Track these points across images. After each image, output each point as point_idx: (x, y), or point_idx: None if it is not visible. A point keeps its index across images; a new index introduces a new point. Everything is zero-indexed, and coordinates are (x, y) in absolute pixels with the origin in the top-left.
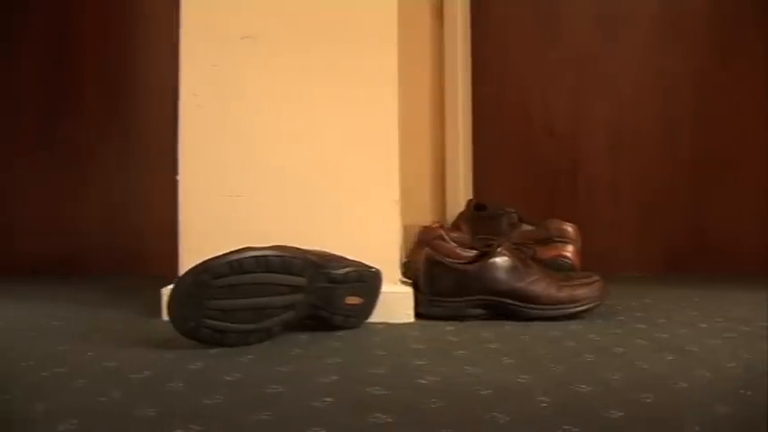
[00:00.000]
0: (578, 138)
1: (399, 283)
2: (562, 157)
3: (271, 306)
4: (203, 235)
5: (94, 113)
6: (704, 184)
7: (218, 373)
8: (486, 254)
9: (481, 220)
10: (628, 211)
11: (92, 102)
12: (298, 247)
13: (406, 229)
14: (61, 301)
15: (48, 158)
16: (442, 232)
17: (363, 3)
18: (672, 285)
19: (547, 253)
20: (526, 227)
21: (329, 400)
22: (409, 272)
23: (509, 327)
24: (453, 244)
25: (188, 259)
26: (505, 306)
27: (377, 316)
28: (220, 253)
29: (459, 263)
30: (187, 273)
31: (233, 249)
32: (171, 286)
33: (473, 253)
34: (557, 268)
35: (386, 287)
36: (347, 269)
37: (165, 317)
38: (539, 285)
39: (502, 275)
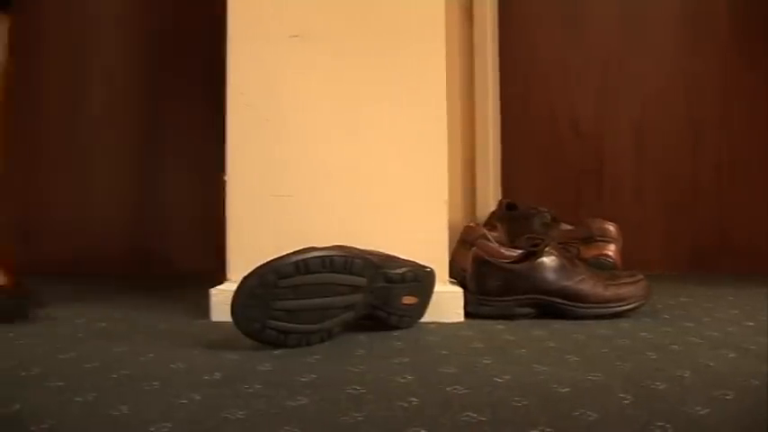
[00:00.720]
0: (604, 138)
1: (449, 283)
2: (588, 156)
3: (332, 306)
4: (250, 235)
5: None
6: (729, 184)
7: (292, 375)
8: (533, 253)
9: (514, 219)
10: (653, 210)
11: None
12: (355, 247)
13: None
14: (98, 302)
15: (67, 158)
16: (485, 232)
17: (412, 4)
18: (702, 284)
19: (589, 252)
20: (565, 226)
21: (415, 400)
22: (453, 271)
23: (559, 325)
24: (496, 244)
25: (235, 259)
26: (554, 305)
27: (427, 315)
28: (282, 254)
29: (507, 262)
30: (252, 273)
31: (295, 250)
32: (221, 286)
33: (517, 252)
34: (599, 267)
35: (437, 287)
36: (404, 269)
37: (213, 317)
38: (586, 284)
39: (550, 275)
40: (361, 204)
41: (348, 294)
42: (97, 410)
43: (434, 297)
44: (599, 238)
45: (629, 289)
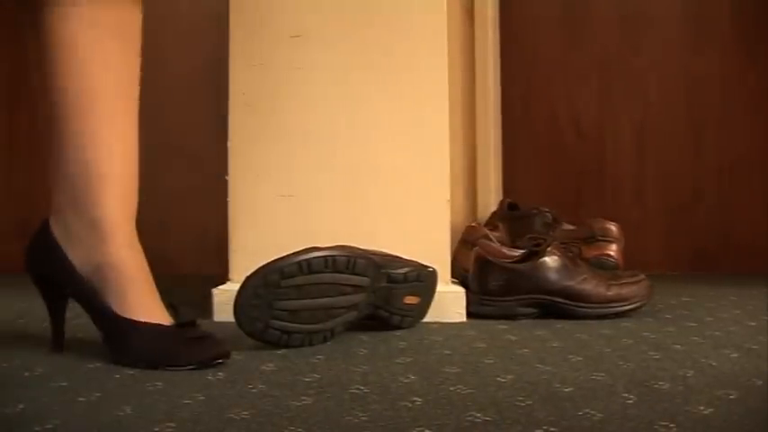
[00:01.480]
0: (605, 139)
1: (451, 283)
2: (589, 157)
3: (335, 306)
4: (252, 235)
5: None
6: (730, 184)
7: (295, 375)
8: (535, 253)
9: (516, 219)
10: (654, 211)
11: None
12: (357, 246)
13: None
14: None
15: None
16: (487, 232)
17: (414, 3)
18: (704, 284)
19: (591, 252)
20: (567, 226)
21: (419, 400)
22: (454, 271)
23: (561, 325)
24: (498, 244)
25: (237, 259)
26: (556, 305)
27: (430, 315)
28: (285, 254)
29: (509, 262)
30: (255, 273)
31: (297, 250)
32: (223, 286)
33: (519, 252)
34: (601, 267)
35: (439, 287)
36: (406, 269)
37: (216, 317)
38: (588, 284)
39: (552, 274)
40: (363, 204)
41: (351, 294)
42: (101, 410)
43: (436, 297)
44: (601, 238)
45: (631, 289)
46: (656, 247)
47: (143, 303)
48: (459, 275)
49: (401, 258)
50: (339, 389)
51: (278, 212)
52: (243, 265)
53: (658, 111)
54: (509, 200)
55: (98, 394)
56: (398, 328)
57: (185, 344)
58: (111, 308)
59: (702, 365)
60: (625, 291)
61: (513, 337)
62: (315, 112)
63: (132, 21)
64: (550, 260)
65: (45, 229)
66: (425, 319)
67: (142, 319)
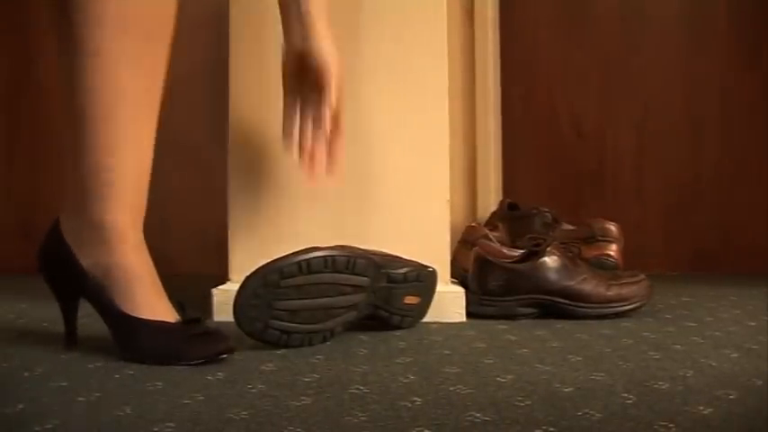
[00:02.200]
0: (605, 138)
1: (451, 283)
2: (589, 157)
3: (335, 306)
4: (252, 235)
5: None
6: (730, 184)
7: (295, 375)
8: (534, 253)
9: (516, 219)
10: (654, 210)
11: None
12: (357, 246)
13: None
14: None
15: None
16: (487, 232)
17: (415, 4)
18: (704, 284)
19: (591, 252)
20: (567, 226)
21: (418, 400)
22: (454, 271)
23: (561, 325)
24: (498, 244)
25: (237, 259)
26: (556, 305)
27: (429, 316)
28: (285, 254)
29: (509, 262)
30: (254, 273)
31: (297, 250)
32: (222, 286)
33: (519, 252)
34: (600, 267)
35: (439, 287)
36: (406, 269)
37: (215, 317)
38: (588, 284)
39: (552, 274)
40: (363, 204)
41: (351, 294)
42: (101, 410)
43: (436, 297)
44: (600, 238)
45: (631, 289)
46: (655, 246)
47: (150, 302)
48: (458, 275)
49: (401, 258)
50: (339, 389)
51: (278, 212)
52: (242, 265)
53: (658, 110)
54: (509, 200)
55: (98, 394)
56: (398, 327)
57: (191, 340)
58: (119, 306)
59: (702, 365)
60: (625, 291)
61: (513, 338)
62: None
63: (165, 24)
64: (550, 260)
65: (55, 229)
66: (425, 319)
67: (149, 317)
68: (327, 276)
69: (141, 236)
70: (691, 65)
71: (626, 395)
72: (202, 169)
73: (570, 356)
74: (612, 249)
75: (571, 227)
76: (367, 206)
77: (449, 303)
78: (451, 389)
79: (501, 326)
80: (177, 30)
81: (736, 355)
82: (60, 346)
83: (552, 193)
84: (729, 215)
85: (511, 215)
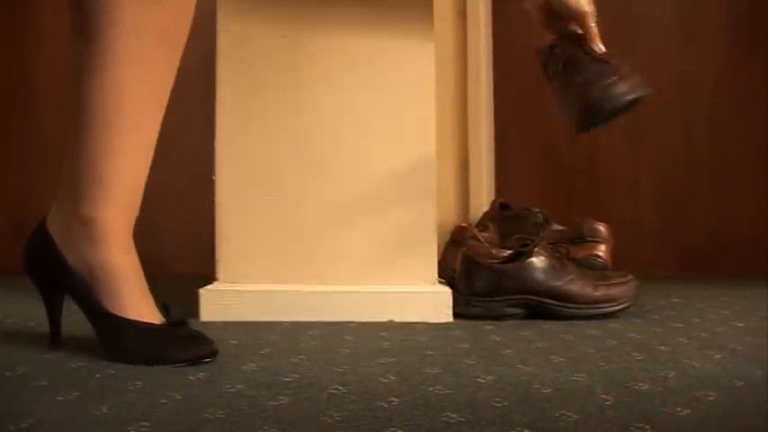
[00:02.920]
0: (597, 137)
1: (438, 283)
2: (581, 157)
3: None
4: (240, 235)
5: None
6: (723, 183)
7: (275, 375)
8: (522, 253)
9: (507, 219)
10: (646, 210)
11: None
12: None
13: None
14: None
15: (62, 158)
16: (476, 232)
17: (402, 3)
18: (695, 285)
19: (579, 252)
20: (557, 226)
21: (395, 400)
22: (443, 271)
23: (548, 326)
24: (486, 244)
25: (224, 259)
26: (543, 305)
27: (416, 316)
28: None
29: (497, 262)
30: None
31: None
32: (209, 286)
33: (507, 252)
34: (589, 267)
35: (425, 287)
36: None
37: (202, 317)
38: (576, 284)
39: (540, 275)
40: (350, 204)
41: None
42: (77, 410)
43: (422, 297)
44: (589, 239)
45: (619, 289)
46: (648, 246)
47: (136, 303)
48: (447, 276)
49: None
50: (317, 389)
51: (266, 213)
52: (230, 266)
53: (651, 110)
54: (501, 200)
55: (77, 393)
56: None
57: (176, 343)
58: (105, 306)
59: (685, 367)
60: (613, 291)
61: (498, 338)
62: (302, 112)
63: (180, 27)
64: (537, 260)
65: (41, 228)
66: (411, 319)
67: (135, 318)
68: None
69: (131, 237)
70: (683, 65)
71: (605, 396)
72: (196, 170)
73: (553, 357)
74: (601, 250)
75: (560, 227)
76: (355, 206)
77: (435, 304)
78: (430, 389)
79: (487, 326)
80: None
81: (719, 356)
82: (45, 346)
83: (545, 193)
84: (722, 215)
85: (502, 215)
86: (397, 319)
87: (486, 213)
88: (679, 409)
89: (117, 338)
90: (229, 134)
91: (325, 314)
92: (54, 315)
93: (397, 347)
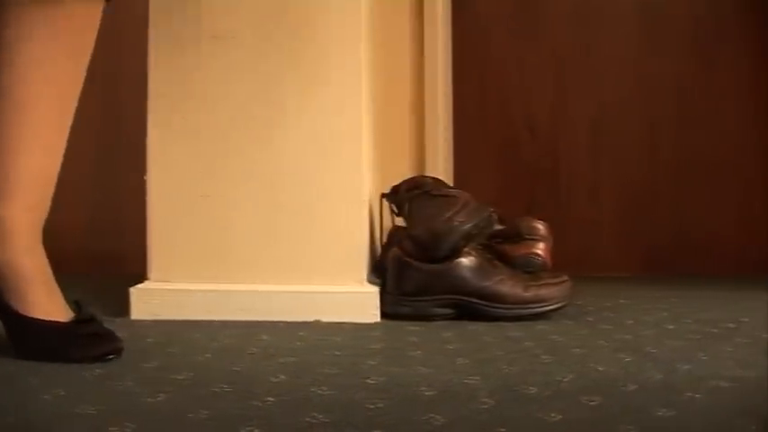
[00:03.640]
0: (559, 137)
1: (366, 283)
2: (543, 156)
3: None
4: (171, 235)
5: None
6: (686, 185)
7: (170, 373)
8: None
9: None
10: (608, 211)
11: None
12: None
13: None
14: None
15: None
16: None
17: (331, 5)
18: (650, 286)
19: (517, 250)
20: (498, 226)
21: (271, 399)
22: (381, 272)
23: (473, 327)
24: None
25: (156, 259)
26: (472, 305)
27: (344, 315)
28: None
29: (426, 263)
30: None
31: None
32: (140, 285)
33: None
34: (527, 266)
35: (352, 287)
36: None
37: (133, 315)
38: (505, 285)
39: (468, 275)
40: (280, 204)
41: None
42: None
43: (349, 297)
44: (528, 237)
45: (550, 290)
46: (610, 247)
47: (41, 301)
48: (382, 276)
49: None
50: (200, 387)
51: (196, 212)
52: (161, 265)
53: (614, 109)
54: None
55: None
56: None
57: (79, 340)
58: (11, 305)
59: (588, 370)
60: (543, 292)
61: (416, 339)
62: (233, 112)
63: (85, 33)
64: (467, 260)
65: None
66: (338, 319)
67: (40, 316)
68: None
69: (39, 237)
70: (647, 64)
71: (485, 400)
72: None
73: (459, 359)
74: (540, 248)
75: (500, 226)
76: (285, 206)
77: (363, 304)
78: (313, 390)
79: (413, 327)
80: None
81: (630, 359)
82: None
83: (506, 192)
84: (685, 216)
85: None
86: (325, 318)
87: None
88: (553, 415)
89: (20, 335)
90: (160, 135)
91: (253, 313)
92: None
93: (307, 347)
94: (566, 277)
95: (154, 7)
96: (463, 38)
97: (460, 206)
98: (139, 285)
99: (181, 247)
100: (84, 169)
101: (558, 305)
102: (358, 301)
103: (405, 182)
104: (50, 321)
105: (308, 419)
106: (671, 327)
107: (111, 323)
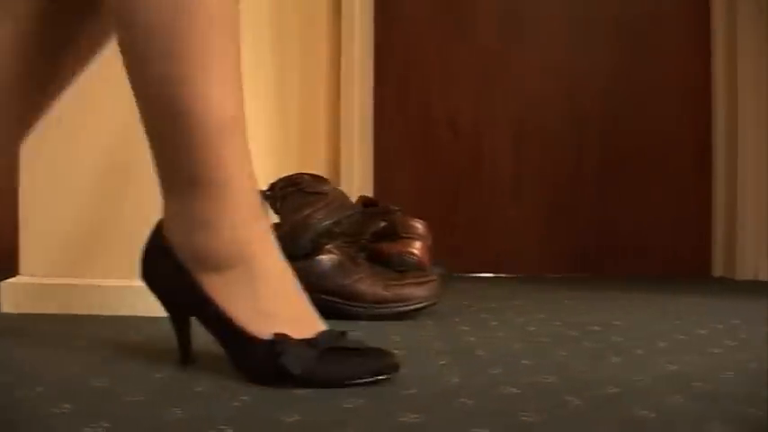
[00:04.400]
0: (483, 137)
1: None
2: (466, 156)
3: None
4: (41, 231)
5: None
6: (613, 184)
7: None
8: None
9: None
10: (532, 211)
11: None
12: None
13: None
14: None
15: None
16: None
17: None
18: (561, 287)
19: (393, 248)
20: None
21: (40, 388)
22: None
23: (331, 325)
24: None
25: (25, 254)
26: (330, 304)
27: None
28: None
29: (289, 260)
30: None
31: None
32: (11, 279)
33: None
34: (401, 264)
35: None
36: None
37: (3, 309)
38: (363, 283)
39: (327, 273)
40: (149, 201)
41: None
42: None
43: None
44: (404, 235)
45: (412, 290)
46: (534, 248)
47: None
48: None
49: None
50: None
51: (65, 209)
52: (30, 260)
53: (539, 109)
54: (365, 198)
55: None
56: None
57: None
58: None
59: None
60: (405, 291)
61: None
62: (102, 110)
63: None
64: (327, 258)
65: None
66: None
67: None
68: None
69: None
70: (572, 64)
71: (245, 398)
72: None
73: None
74: (416, 247)
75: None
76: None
77: None
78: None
79: None
80: None
81: (444, 362)
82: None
83: (428, 193)
84: (612, 216)
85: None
86: None
87: None
88: (284, 418)
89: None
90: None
91: (114, 308)
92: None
93: (115, 343)
94: (434, 277)
95: None
96: (385, 38)
97: (323, 204)
98: (10, 280)
99: (51, 244)
100: None
101: (422, 305)
102: None
103: (282, 179)
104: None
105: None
106: (532, 329)
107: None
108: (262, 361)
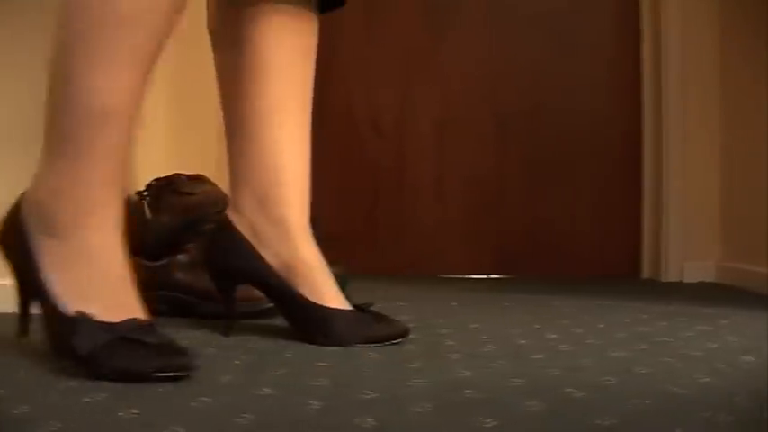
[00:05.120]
0: (405, 136)
1: None
2: (387, 155)
3: None
4: None
5: None
6: (537, 183)
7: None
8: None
9: None
10: (455, 211)
11: None
12: None
13: None
14: None
15: None
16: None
17: None
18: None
19: None
20: None
21: None
22: None
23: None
24: None
25: None
26: (183, 301)
27: None
28: None
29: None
30: None
31: None
32: None
33: None
34: None
35: None
36: None
37: None
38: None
39: (181, 272)
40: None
41: None
42: None
43: None
44: None
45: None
46: (457, 249)
47: (329, 291)
48: None
49: None
50: None
51: None
52: None
53: (462, 108)
54: None
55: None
56: None
57: (374, 322)
58: (307, 297)
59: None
60: (256, 292)
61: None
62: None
63: (311, 28)
64: (182, 257)
65: (228, 227)
66: None
67: (333, 306)
68: None
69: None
70: (496, 61)
71: (100, 393)
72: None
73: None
74: None
75: None
76: None
77: None
78: None
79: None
80: None
81: (238, 361)
82: None
83: (349, 194)
84: (537, 215)
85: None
86: None
87: None
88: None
89: (325, 325)
90: None
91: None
92: (230, 304)
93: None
94: None
95: None
96: None
97: (180, 206)
98: None
99: None
100: None
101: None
102: None
103: (158, 179)
104: (347, 310)
105: None
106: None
107: None
108: (60, 335)
